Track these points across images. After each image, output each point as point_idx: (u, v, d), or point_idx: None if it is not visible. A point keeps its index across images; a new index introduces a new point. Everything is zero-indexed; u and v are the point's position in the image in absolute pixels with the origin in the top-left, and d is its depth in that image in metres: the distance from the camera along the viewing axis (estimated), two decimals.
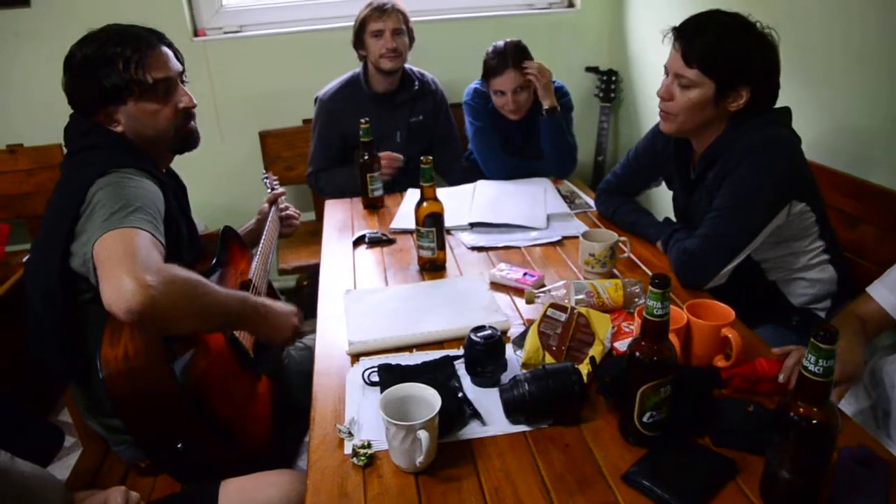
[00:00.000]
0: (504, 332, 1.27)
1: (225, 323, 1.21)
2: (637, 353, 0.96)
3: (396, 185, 2.22)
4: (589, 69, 3.05)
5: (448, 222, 1.68)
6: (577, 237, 1.61)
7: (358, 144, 2.05)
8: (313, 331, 1.43)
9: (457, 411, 1.06)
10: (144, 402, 1.09)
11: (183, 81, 1.35)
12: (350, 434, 1.05)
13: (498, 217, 1.87)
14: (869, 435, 1.02)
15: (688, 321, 1.16)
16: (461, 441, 1.03)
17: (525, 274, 1.51)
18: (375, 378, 1.17)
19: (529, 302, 1.38)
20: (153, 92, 1.26)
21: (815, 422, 0.80)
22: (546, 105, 2.19)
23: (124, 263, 0.98)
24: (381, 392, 1.03)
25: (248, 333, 1.37)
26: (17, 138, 2.68)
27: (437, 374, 1.17)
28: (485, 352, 1.13)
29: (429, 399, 1.00)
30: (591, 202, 1.98)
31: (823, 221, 1.49)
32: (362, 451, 1.00)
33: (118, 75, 1.22)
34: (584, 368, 1.12)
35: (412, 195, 2.09)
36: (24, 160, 2.68)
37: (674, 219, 1.71)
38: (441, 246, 1.60)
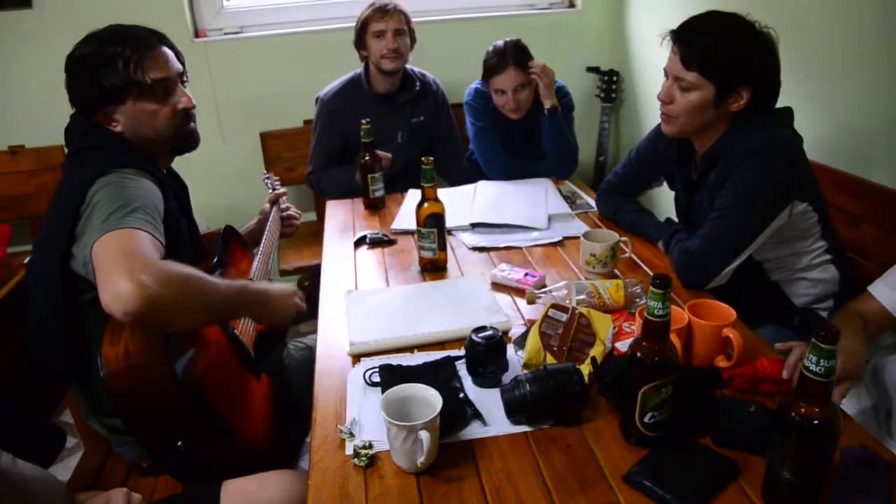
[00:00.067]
0: (505, 333, 1.27)
1: (226, 314, 1.21)
2: (638, 354, 0.96)
3: (397, 186, 2.22)
4: (590, 69, 3.05)
5: (449, 223, 1.68)
6: (578, 237, 1.61)
7: (359, 145, 2.05)
8: (314, 331, 1.43)
9: (458, 412, 1.06)
10: (144, 400, 1.09)
11: (184, 82, 1.35)
12: (351, 435, 1.05)
13: (499, 217, 1.87)
14: (871, 435, 1.01)
15: (689, 321, 1.16)
16: (462, 441, 1.03)
17: (526, 274, 1.51)
18: (377, 378, 1.17)
19: (530, 302, 1.38)
20: (152, 92, 1.26)
21: (816, 422, 0.80)
22: (547, 105, 2.19)
23: (121, 265, 0.98)
24: (383, 392, 1.03)
25: (253, 320, 1.38)
26: (19, 139, 2.68)
27: (439, 375, 1.17)
28: (486, 352, 1.13)
29: (430, 399, 1.00)
30: (592, 202, 1.98)
31: (826, 221, 1.49)
32: (364, 451, 1.00)
33: (117, 75, 1.22)
34: (586, 369, 1.12)
35: (413, 196, 2.09)
36: (26, 161, 2.69)
37: (675, 219, 1.71)
38: (442, 246, 1.60)
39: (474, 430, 1.05)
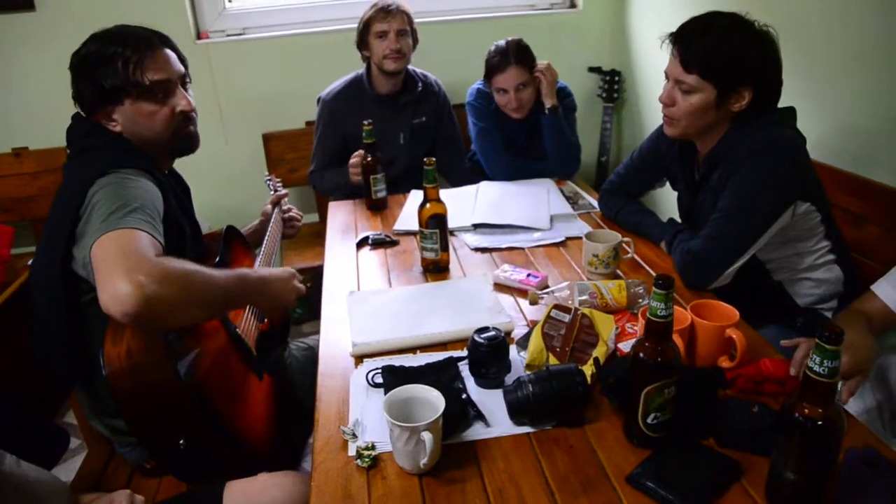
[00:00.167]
0: (508, 334, 1.26)
1: (227, 305, 1.22)
2: (641, 354, 0.95)
3: (400, 187, 2.22)
4: (592, 69, 3.05)
5: (451, 223, 1.68)
6: (580, 238, 1.61)
7: (360, 145, 2.05)
8: (316, 332, 1.43)
9: (461, 413, 1.06)
10: (146, 399, 1.09)
11: (185, 85, 1.35)
12: (354, 436, 1.05)
13: (501, 218, 1.87)
14: (875, 436, 1.01)
15: (692, 322, 1.16)
16: (465, 442, 1.03)
17: (529, 275, 1.51)
18: (379, 380, 1.17)
19: (533, 303, 1.38)
20: (150, 93, 1.26)
21: (820, 423, 0.79)
22: (548, 104, 2.19)
23: (119, 266, 0.98)
24: (385, 394, 1.03)
25: (256, 307, 1.39)
26: (22, 142, 2.69)
27: (441, 376, 1.17)
28: (488, 353, 1.13)
29: (432, 400, 1.00)
30: (595, 203, 1.98)
31: (829, 221, 1.48)
32: (366, 452, 1.00)
33: (116, 75, 1.22)
34: (588, 369, 1.12)
35: (415, 197, 2.09)
36: (29, 163, 2.70)
37: (678, 219, 1.71)
38: (444, 247, 1.60)
39: (477, 431, 1.05)
